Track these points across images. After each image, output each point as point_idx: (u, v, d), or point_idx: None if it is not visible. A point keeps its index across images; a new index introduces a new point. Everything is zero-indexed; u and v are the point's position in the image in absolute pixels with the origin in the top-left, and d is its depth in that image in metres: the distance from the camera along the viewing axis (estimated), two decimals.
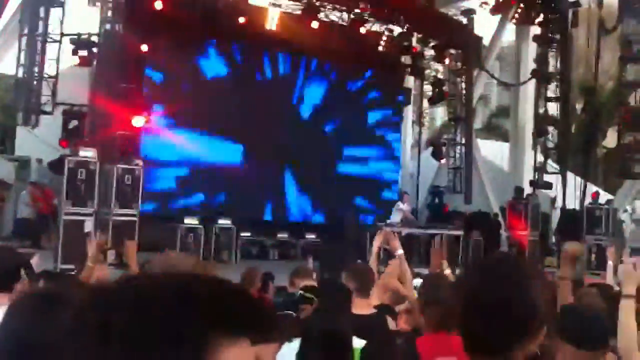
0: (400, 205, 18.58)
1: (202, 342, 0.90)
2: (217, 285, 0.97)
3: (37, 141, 16.64)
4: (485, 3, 20.39)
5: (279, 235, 18.87)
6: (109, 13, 15.71)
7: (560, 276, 3.99)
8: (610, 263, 6.15)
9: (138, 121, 15.26)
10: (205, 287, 0.95)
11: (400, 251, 5.59)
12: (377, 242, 5.91)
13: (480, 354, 1.58)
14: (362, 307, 4.65)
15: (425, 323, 3.74)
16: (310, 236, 19.00)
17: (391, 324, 4.86)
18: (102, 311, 0.91)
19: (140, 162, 14.32)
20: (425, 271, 9.18)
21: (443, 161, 23.41)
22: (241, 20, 17.62)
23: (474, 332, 1.59)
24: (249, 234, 17.95)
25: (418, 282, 6.11)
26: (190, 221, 15.57)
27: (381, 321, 4.67)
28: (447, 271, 5.93)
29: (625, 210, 22.74)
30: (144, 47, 15.67)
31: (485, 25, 23.99)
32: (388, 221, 17.23)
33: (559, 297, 3.77)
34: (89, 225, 12.86)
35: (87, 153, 13.20)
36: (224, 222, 16.61)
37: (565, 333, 2.94)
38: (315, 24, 18.82)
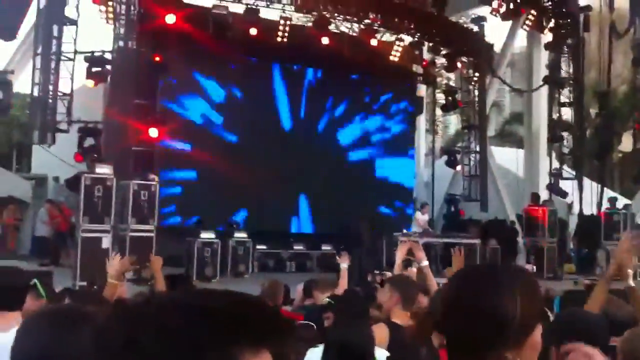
0: (419, 215, 18.59)
1: (225, 355, 0.93)
2: (237, 299, 0.99)
3: (54, 159, 16.76)
4: (497, 10, 20.35)
5: (295, 247, 18.88)
6: (122, 30, 15.84)
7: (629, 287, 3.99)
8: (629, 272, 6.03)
9: (153, 132, 15.34)
10: (225, 301, 0.98)
11: (425, 262, 5.62)
12: (401, 253, 5.91)
13: (457, 354, 1.64)
14: (400, 317, 4.60)
15: None
16: (327, 247, 18.98)
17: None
18: (128, 327, 0.94)
19: (156, 178, 14.37)
20: (444, 280, 9.15)
21: (458, 169, 23.34)
22: (253, 32, 17.68)
23: (451, 333, 1.66)
24: (265, 247, 17.97)
25: None
26: (207, 235, 15.60)
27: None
28: None
29: None
30: (157, 59, 15.79)
31: (496, 32, 24.00)
32: (405, 231, 17.18)
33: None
34: (106, 242, 12.91)
35: (104, 170, 13.26)
36: (240, 235, 16.66)
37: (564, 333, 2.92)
38: (326, 39, 18.84)
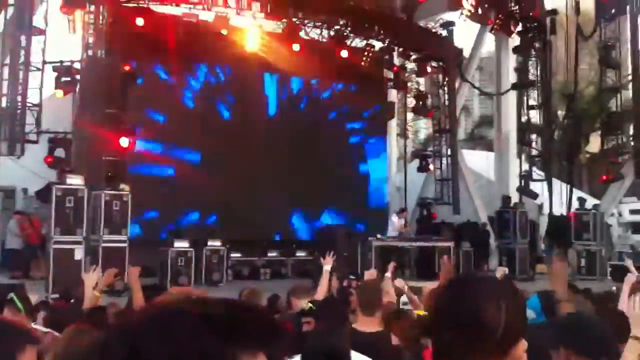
0: (396, 219, 18.73)
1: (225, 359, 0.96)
2: (235, 305, 1.03)
3: (22, 170, 16.54)
4: (467, 11, 20.53)
5: (269, 255, 18.83)
6: (91, 39, 15.70)
7: None
8: (625, 289, 6.07)
9: (124, 142, 15.21)
10: (223, 307, 1.02)
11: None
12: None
13: (443, 359, 1.72)
14: (367, 324, 4.61)
15: None
16: (301, 254, 18.98)
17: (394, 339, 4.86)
18: (130, 337, 0.97)
19: (128, 187, 14.25)
20: (418, 284, 9.24)
21: (429, 172, 23.50)
22: (222, 38, 17.64)
23: (438, 338, 1.72)
24: (239, 255, 17.92)
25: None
26: (181, 244, 15.50)
27: (386, 338, 4.65)
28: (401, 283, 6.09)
29: (612, 214, 22.93)
30: (127, 68, 15.68)
31: (465, 36, 24.22)
32: (379, 236, 17.27)
33: None
34: (79, 253, 12.78)
35: (75, 180, 13.13)
36: (213, 243, 16.57)
37: (566, 339, 2.96)
38: (296, 46, 18.86)
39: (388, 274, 6.73)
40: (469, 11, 20.48)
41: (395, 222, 18.63)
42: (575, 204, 20.57)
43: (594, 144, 30.63)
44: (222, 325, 0.98)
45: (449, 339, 1.67)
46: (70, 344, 3.23)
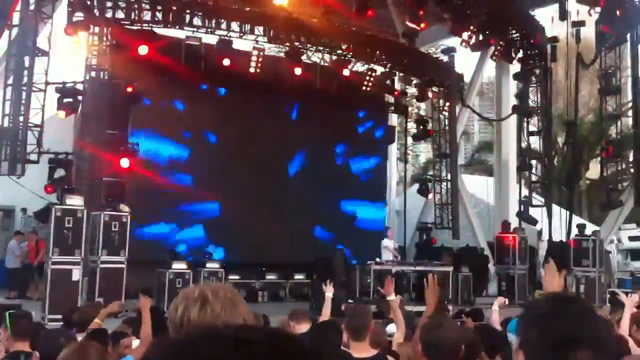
0: (387, 242, 18.64)
1: None
2: (273, 332, 1.06)
3: (22, 190, 16.56)
4: (467, 42, 20.69)
5: (268, 277, 18.80)
6: (94, 61, 15.81)
7: None
8: (627, 314, 6.05)
9: (125, 163, 15.25)
10: (259, 333, 1.04)
11: (391, 297, 5.72)
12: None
13: None
14: (359, 349, 4.62)
15: None
16: (299, 277, 18.94)
17: None
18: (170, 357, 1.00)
19: (127, 209, 14.27)
20: (417, 308, 9.23)
21: (429, 197, 23.51)
22: (226, 63, 17.74)
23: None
24: (237, 277, 17.88)
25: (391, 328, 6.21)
26: (178, 266, 15.49)
27: None
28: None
29: (612, 241, 22.91)
30: (130, 90, 15.78)
31: (465, 62, 24.37)
32: (377, 260, 17.23)
33: None
34: (77, 274, 12.76)
35: (74, 201, 13.15)
36: (211, 265, 16.56)
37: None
38: (298, 70, 18.96)
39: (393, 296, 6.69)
40: (467, 42, 20.62)
41: (387, 245, 18.54)
42: (574, 230, 20.55)
43: (594, 170, 30.69)
44: (259, 352, 0.98)
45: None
46: (80, 357, 3.25)
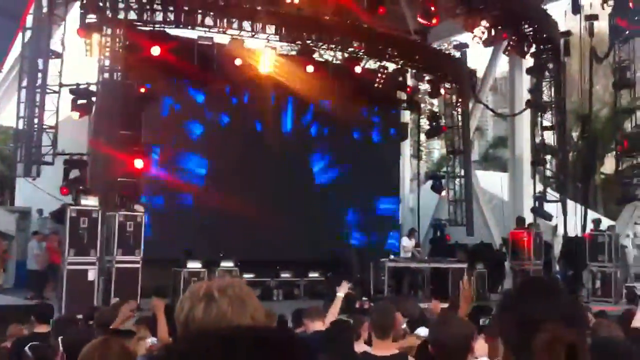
0: (406, 241, 18.69)
1: None
2: (261, 329, 1.11)
3: (38, 192, 16.70)
4: (479, 37, 20.59)
5: (282, 275, 18.83)
6: (107, 62, 15.90)
7: None
8: None
9: (138, 163, 15.35)
10: (276, 334, 1.09)
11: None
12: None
13: None
14: (382, 347, 4.63)
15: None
16: (314, 275, 18.96)
17: None
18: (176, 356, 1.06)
19: (142, 209, 14.35)
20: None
21: (443, 194, 23.44)
22: (237, 62, 17.79)
23: None
24: (252, 275, 17.90)
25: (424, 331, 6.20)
26: (193, 265, 15.55)
27: None
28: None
29: (627, 236, 22.73)
30: (143, 90, 15.89)
31: (478, 58, 24.28)
32: (392, 256, 17.24)
33: None
34: (92, 274, 12.85)
35: (89, 202, 13.25)
36: (226, 264, 16.59)
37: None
38: (310, 68, 18.98)
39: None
40: (479, 38, 20.51)
41: (406, 244, 18.58)
42: (590, 225, 20.43)
43: (609, 165, 30.49)
44: (278, 351, 1.02)
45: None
46: (103, 352, 3.28)
